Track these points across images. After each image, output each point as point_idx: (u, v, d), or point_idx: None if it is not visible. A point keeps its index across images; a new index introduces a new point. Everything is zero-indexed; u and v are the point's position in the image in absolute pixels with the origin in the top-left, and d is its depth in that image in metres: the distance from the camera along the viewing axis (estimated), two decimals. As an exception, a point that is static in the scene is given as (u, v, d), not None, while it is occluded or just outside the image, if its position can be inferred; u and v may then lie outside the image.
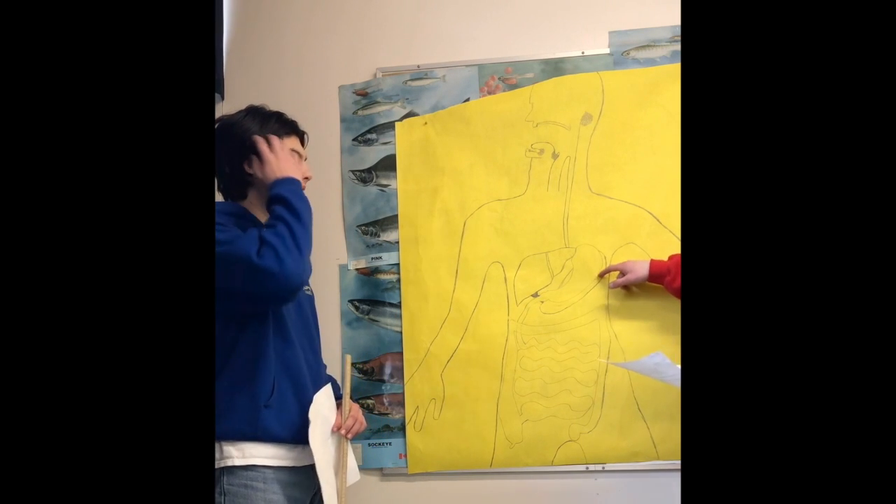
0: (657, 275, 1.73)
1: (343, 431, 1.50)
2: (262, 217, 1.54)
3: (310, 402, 1.46)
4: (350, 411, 1.54)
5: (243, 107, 1.60)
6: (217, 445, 1.37)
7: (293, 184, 1.45)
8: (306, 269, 1.40)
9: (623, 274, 1.78)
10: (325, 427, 1.47)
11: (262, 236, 1.35)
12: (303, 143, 1.62)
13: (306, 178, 1.56)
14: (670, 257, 1.75)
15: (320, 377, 1.56)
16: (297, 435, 1.42)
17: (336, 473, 1.47)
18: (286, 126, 1.58)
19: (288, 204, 1.40)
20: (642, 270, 1.75)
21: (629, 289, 1.82)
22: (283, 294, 1.37)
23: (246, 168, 1.54)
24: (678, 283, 1.68)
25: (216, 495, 1.35)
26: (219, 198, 1.66)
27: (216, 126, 1.57)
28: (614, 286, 1.80)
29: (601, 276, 1.85)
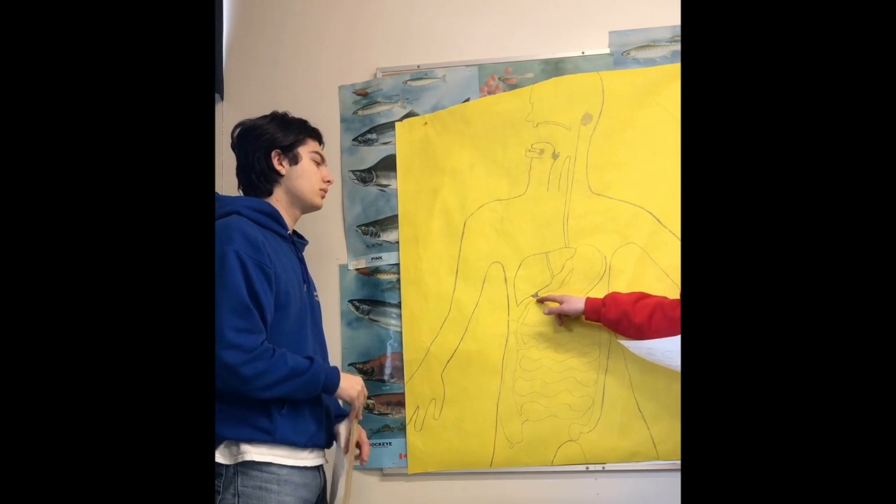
0: (593, 310, 1.74)
1: (352, 457, 1.55)
2: (286, 217, 1.60)
3: (322, 407, 1.52)
4: (357, 436, 1.58)
5: (243, 107, 1.62)
6: (234, 444, 1.39)
7: (330, 377, 1.50)
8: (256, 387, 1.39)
9: (560, 305, 1.80)
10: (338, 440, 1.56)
11: (264, 349, 1.39)
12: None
13: (328, 182, 1.66)
14: (606, 295, 1.76)
15: None
16: (310, 440, 1.47)
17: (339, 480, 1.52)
18: (310, 131, 1.67)
19: (309, 383, 1.44)
20: (578, 304, 1.77)
21: (562, 321, 1.84)
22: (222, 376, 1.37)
23: (275, 164, 1.58)
24: (612, 314, 1.70)
25: (230, 496, 1.37)
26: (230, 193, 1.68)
27: (241, 129, 1.66)
28: (549, 312, 1.82)
29: (539, 301, 1.86)
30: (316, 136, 1.67)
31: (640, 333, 1.69)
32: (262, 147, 1.61)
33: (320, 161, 1.65)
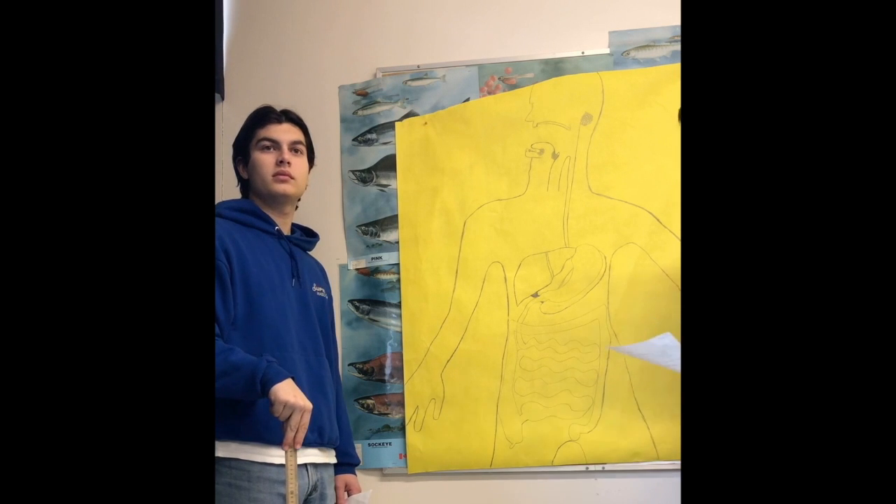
0: None
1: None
2: (273, 215, 1.58)
3: None
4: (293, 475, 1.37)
5: (243, 107, 1.63)
6: None
7: (270, 372, 1.34)
8: None
9: None
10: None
11: (220, 341, 1.37)
12: (307, 135, 1.65)
13: (282, 162, 1.55)
14: None
15: (321, 379, 1.55)
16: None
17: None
18: (257, 119, 1.61)
19: (251, 376, 1.33)
20: None
21: None
22: None
23: (240, 172, 1.58)
24: None
25: None
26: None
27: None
28: None
29: None
30: (267, 120, 1.58)
31: None
32: (232, 160, 1.63)
33: (271, 145, 1.56)
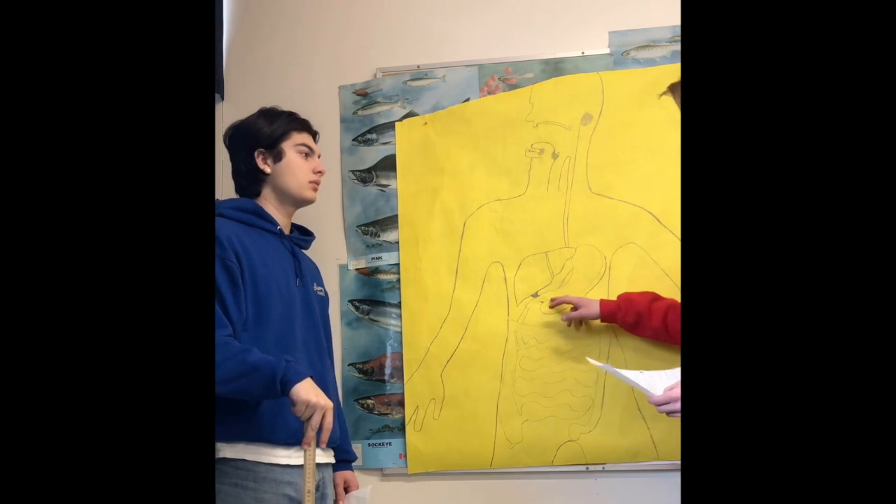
0: (608, 313, 1.74)
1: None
2: (277, 214, 1.59)
3: None
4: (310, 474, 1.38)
5: (243, 107, 1.62)
6: None
7: (290, 373, 1.35)
8: None
9: (576, 308, 1.78)
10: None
11: (236, 341, 1.38)
12: (315, 140, 1.67)
13: (319, 172, 1.62)
14: (619, 296, 1.75)
15: (324, 378, 1.55)
16: (291, 438, 1.41)
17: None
18: (296, 122, 1.63)
19: (269, 379, 1.34)
20: (593, 308, 1.75)
21: (581, 325, 1.83)
22: None
23: (259, 164, 1.57)
24: (630, 318, 1.70)
25: None
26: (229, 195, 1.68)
27: (231, 131, 1.64)
28: (567, 319, 1.80)
29: (552, 306, 1.84)
30: (303, 127, 1.63)
31: (657, 335, 1.69)
32: (245, 148, 1.60)
33: (309, 152, 1.61)
